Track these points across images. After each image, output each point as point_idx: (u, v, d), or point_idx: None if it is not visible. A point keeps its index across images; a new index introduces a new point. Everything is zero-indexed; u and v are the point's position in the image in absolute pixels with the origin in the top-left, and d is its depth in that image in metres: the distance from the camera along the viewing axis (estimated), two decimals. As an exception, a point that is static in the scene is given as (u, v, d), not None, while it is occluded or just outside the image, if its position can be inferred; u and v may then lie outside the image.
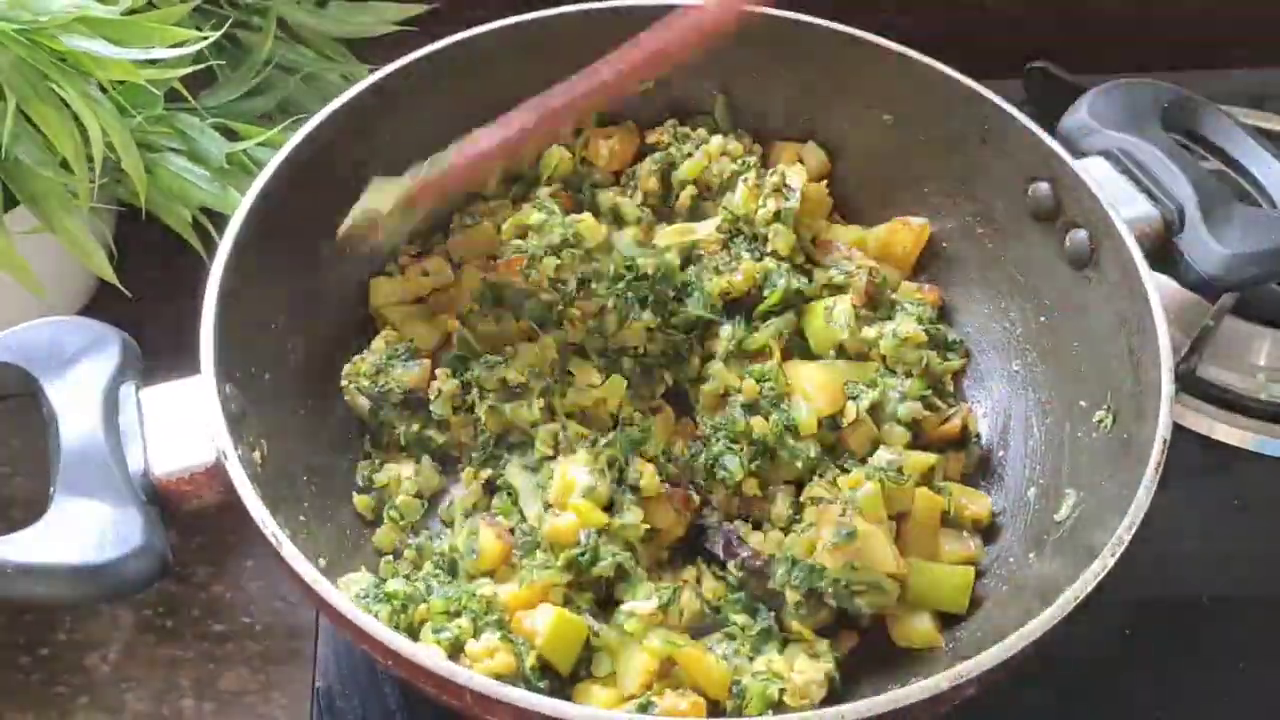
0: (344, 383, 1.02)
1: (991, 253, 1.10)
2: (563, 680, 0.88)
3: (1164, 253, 1.02)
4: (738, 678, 0.88)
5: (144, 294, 1.07)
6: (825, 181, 1.15)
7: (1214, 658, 1.04)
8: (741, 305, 1.08)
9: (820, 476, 0.99)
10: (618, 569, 0.90)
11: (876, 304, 1.08)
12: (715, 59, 1.14)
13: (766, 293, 1.06)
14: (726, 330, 1.05)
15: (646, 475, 0.94)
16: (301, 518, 0.91)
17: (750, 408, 1.00)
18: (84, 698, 0.99)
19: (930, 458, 1.01)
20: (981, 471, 1.05)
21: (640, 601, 0.89)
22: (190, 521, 0.85)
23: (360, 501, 1.00)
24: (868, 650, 0.94)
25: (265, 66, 1.15)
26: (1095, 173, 1.02)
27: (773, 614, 0.93)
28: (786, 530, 0.96)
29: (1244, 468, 1.15)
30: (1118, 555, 0.81)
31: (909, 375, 1.04)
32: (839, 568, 0.90)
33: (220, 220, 0.98)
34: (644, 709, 0.84)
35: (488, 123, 1.11)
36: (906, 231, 1.11)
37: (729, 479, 0.97)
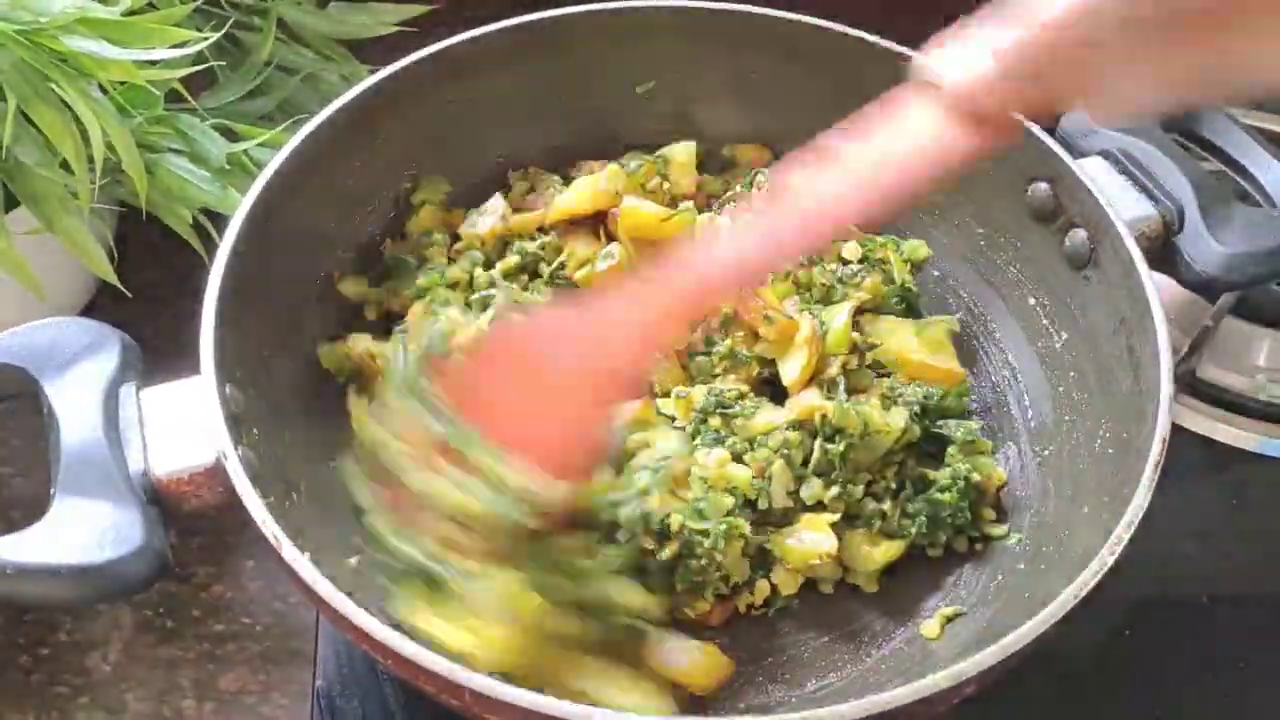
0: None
1: (990, 253, 1.10)
2: None
3: (1164, 253, 1.02)
4: None
5: (144, 294, 1.07)
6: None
7: (1214, 658, 1.04)
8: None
9: None
10: None
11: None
12: (715, 60, 1.15)
13: None
14: None
15: None
16: (302, 518, 0.91)
17: None
18: (84, 698, 0.99)
19: None
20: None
21: None
22: (190, 521, 0.86)
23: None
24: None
25: (265, 67, 1.15)
26: (1094, 173, 1.02)
27: None
28: None
29: (1244, 468, 1.15)
30: (1117, 555, 0.81)
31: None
32: None
33: (220, 220, 0.98)
34: None
35: (487, 124, 1.12)
36: None
37: None
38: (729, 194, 1.13)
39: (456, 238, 1.10)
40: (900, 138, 0.81)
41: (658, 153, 1.13)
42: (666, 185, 1.11)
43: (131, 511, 0.80)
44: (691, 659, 0.90)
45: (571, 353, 0.83)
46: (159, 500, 0.83)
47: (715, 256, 0.84)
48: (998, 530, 0.99)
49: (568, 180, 1.14)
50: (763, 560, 0.95)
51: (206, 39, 1.02)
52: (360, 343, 1.03)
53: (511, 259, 1.07)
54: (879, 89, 1.10)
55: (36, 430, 0.85)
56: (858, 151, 0.81)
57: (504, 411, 0.83)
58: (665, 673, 0.89)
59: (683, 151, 1.13)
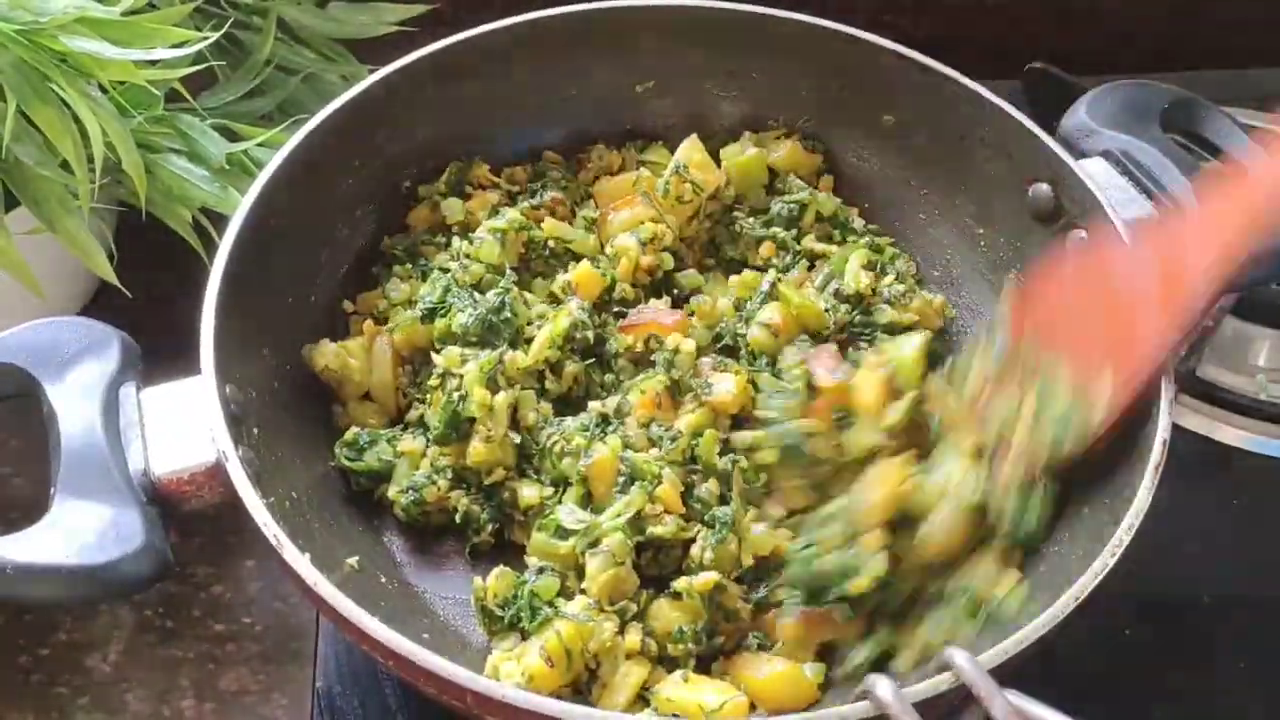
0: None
1: (990, 253, 1.10)
2: None
3: (1164, 253, 1.02)
4: None
5: (144, 294, 1.07)
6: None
7: (1214, 658, 1.04)
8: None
9: None
10: None
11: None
12: (714, 59, 1.15)
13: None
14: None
15: None
16: (301, 518, 0.91)
17: None
18: (84, 698, 0.99)
19: None
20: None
21: None
22: (190, 521, 0.86)
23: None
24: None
25: (265, 67, 1.15)
26: (1095, 173, 1.02)
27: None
28: None
29: (1244, 468, 1.15)
30: (1118, 555, 0.81)
31: None
32: None
33: (220, 220, 0.98)
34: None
35: (486, 123, 1.12)
36: None
37: None
38: None
39: (454, 234, 1.10)
40: None
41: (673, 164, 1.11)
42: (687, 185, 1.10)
43: (131, 511, 0.80)
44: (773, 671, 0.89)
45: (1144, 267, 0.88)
46: (159, 500, 0.83)
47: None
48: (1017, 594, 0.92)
49: (574, 174, 1.15)
50: None
51: (206, 39, 1.02)
52: (328, 347, 1.01)
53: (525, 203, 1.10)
54: (873, 84, 1.11)
55: (36, 430, 0.85)
56: None
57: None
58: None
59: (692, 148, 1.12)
